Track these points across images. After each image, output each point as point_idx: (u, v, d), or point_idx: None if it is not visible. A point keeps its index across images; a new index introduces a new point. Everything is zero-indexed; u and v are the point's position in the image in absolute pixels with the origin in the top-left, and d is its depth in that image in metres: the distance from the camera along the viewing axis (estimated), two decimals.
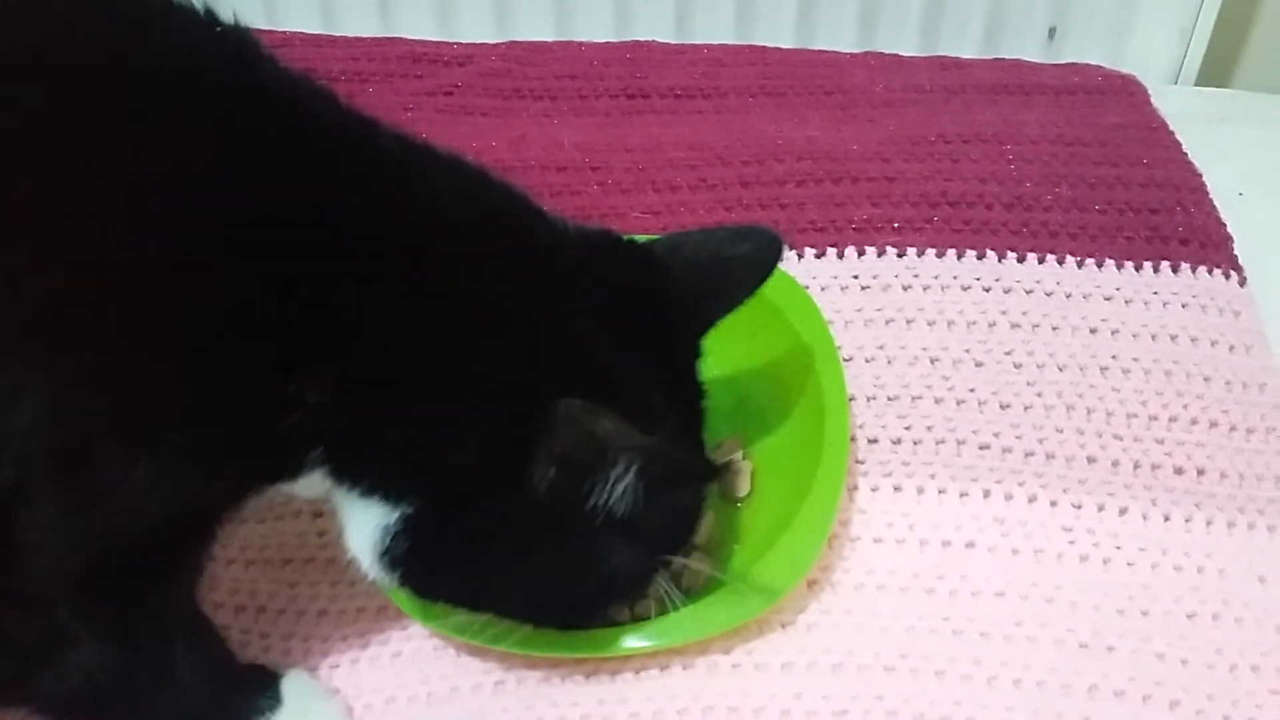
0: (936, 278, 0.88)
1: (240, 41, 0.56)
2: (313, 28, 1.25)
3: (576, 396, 0.56)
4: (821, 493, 0.70)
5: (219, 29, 0.55)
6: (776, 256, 0.69)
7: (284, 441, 0.55)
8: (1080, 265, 0.90)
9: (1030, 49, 1.22)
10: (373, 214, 0.56)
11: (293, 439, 0.55)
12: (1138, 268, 0.89)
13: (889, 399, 0.81)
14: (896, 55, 1.15)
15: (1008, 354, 0.83)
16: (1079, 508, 0.75)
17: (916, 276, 0.89)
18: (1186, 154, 0.99)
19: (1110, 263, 0.90)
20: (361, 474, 0.58)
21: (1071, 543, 0.73)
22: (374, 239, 0.56)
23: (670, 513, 0.64)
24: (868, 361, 0.83)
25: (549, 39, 1.21)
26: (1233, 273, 0.89)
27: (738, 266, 0.69)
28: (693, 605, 0.69)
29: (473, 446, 0.58)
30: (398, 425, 0.57)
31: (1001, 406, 0.80)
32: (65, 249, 0.49)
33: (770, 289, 0.80)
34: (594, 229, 0.67)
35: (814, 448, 0.72)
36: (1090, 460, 0.77)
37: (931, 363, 0.83)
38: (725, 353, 0.72)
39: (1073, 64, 1.14)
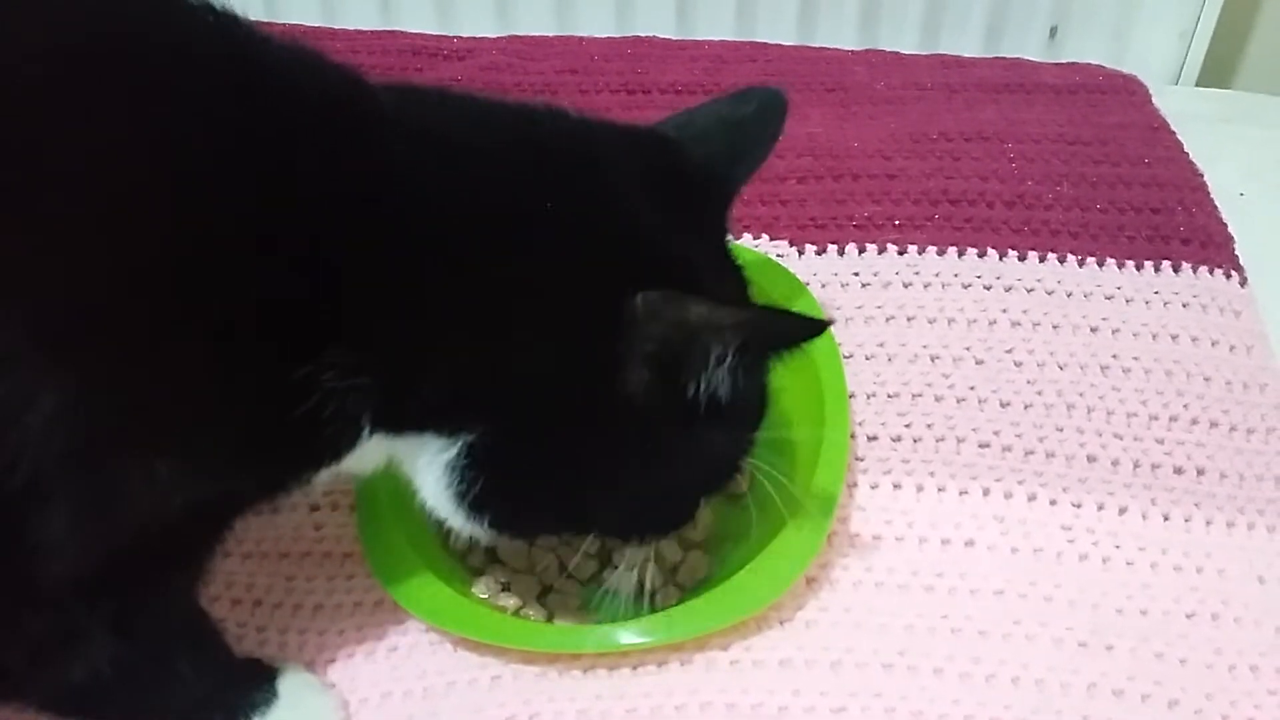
0: (937, 275, 0.88)
1: (230, 25, 0.55)
2: (312, 20, 1.25)
3: (652, 287, 0.54)
4: (821, 490, 0.70)
5: (211, 17, 0.54)
6: (782, 111, 0.68)
7: (310, 427, 0.53)
8: (1081, 264, 0.89)
9: (1031, 48, 1.22)
10: (371, 175, 0.54)
11: (321, 421, 0.53)
12: (1138, 267, 0.89)
13: (889, 396, 0.81)
14: (898, 53, 1.15)
15: (1008, 352, 0.83)
16: (1078, 506, 0.75)
17: (917, 274, 0.88)
18: (1188, 154, 0.99)
19: (1111, 262, 0.90)
20: (425, 422, 0.57)
21: (1071, 541, 0.73)
22: (376, 199, 0.53)
23: (755, 389, 0.63)
24: (868, 359, 0.83)
25: (549, 33, 1.20)
26: (1234, 273, 0.89)
27: (749, 128, 0.68)
28: (691, 601, 0.69)
29: (544, 362, 0.55)
30: (451, 363, 0.55)
31: (1001, 405, 0.80)
32: (74, 248, 0.48)
33: (771, 285, 0.80)
34: (599, 119, 0.64)
35: (814, 444, 0.72)
36: (1090, 459, 0.77)
37: (932, 360, 0.83)
38: None
39: (1074, 63, 1.14)
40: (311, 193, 0.52)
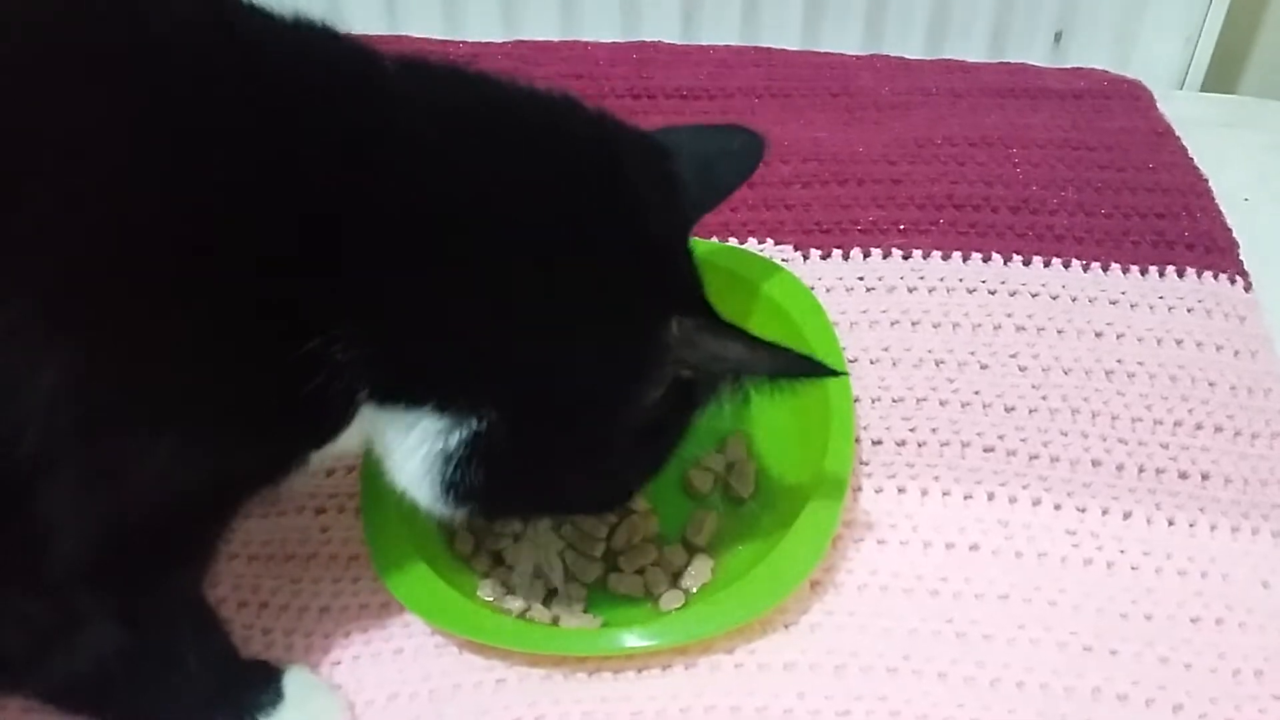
0: (942, 280, 0.88)
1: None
2: None
3: (683, 310, 0.57)
4: (826, 493, 0.70)
5: None
6: (759, 155, 0.72)
7: (315, 402, 0.53)
8: (1086, 269, 0.89)
9: (1036, 53, 1.22)
10: (382, 154, 0.54)
11: (326, 397, 0.53)
12: (1143, 272, 0.89)
13: (894, 400, 0.81)
14: (903, 58, 1.15)
15: (1012, 357, 0.83)
16: (1083, 511, 0.75)
17: (922, 278, 0.89)
18: (1192, 159, 0.99)
19: (1116, 267, 0.90)
20: (424, 399, 0.57)
21: (1075, 546, 0.73)
22: (384, 175, 0.54)
23: None
24: (873, 363, 0.83)
25: (555, 39, 1.21)
26: (1238, 278, 0.89)
27: (728, 163, 0.71)
28: (696, 604, 0.69)
29: (566, 361, 0.57)
30: (466, 347, 0.56)
31: (1006, 409, 0.80)
32: (75, 222, 0.48)
33: (775, 289, 0.80)
34: (612, 114, 0.64)
35: (819, 448, 0.72)
36: (1095, 464, 0.77)
37: (936, 365, 0.83)
38: None
39: (1079, 68, 1.14)
40: (316, 167, 0.52)
